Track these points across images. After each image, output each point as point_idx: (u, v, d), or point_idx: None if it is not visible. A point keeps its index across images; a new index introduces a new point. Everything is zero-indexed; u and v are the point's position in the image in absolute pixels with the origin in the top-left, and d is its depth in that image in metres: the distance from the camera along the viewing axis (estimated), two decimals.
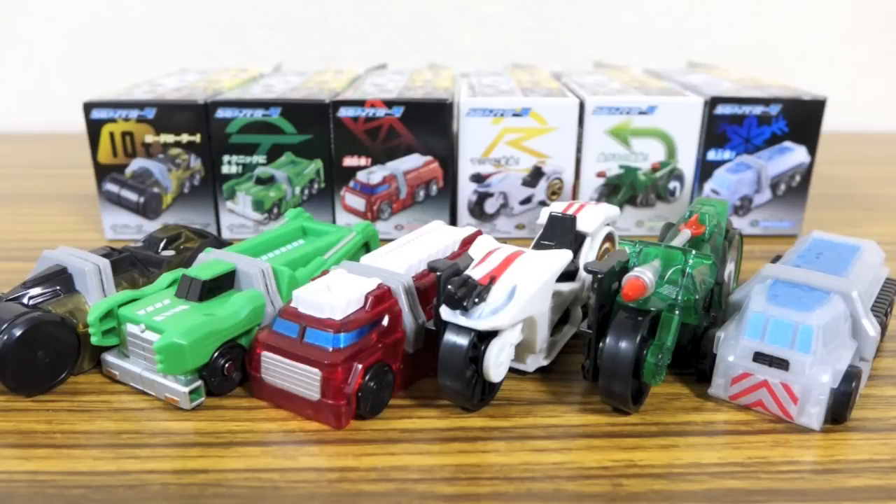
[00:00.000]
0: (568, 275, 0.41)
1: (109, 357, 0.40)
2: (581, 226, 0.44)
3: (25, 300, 0.39)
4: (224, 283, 0.40)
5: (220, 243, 0.49)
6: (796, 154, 0.60)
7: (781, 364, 0.35)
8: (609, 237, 0.47)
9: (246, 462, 0.33)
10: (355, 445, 0.34)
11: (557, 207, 0.45)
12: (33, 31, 1.02)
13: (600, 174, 0.61)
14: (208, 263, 0.41)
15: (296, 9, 1.01)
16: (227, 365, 0.38)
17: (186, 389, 0.36)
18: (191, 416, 0.37)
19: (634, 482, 0.32)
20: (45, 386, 0.39)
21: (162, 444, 0.35)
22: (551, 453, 0.34)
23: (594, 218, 0.44)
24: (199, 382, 0.37)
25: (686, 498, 0.31)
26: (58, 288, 0.40)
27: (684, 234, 0.41)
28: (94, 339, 0.38)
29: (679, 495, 0.31)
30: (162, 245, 0.47)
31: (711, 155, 0.60)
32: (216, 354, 0.37)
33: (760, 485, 0.32)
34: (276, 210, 0.61)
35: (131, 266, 0.44)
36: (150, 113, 0.58)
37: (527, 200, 0.61)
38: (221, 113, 0.58)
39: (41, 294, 0.40)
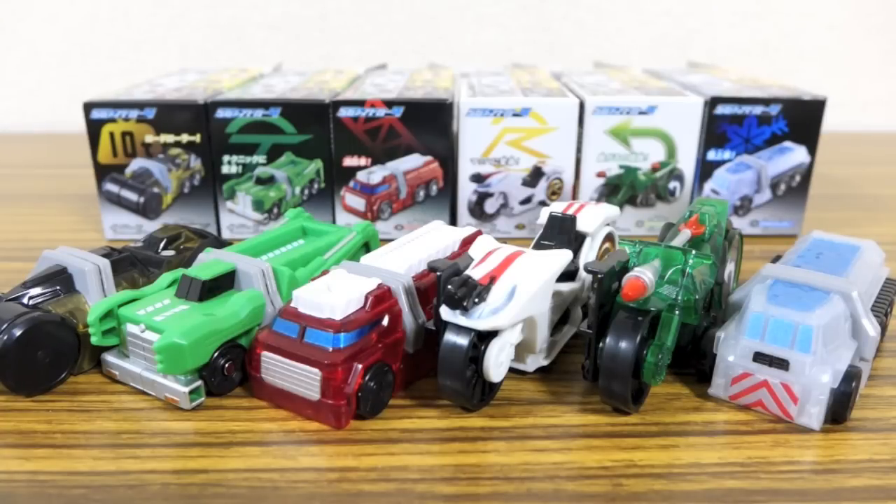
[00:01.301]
0: (568, 275, 0.41)
1: (109, 357, 0.40)
2: (581, 226, 0.44)
3: (25, 300, 0.39)
4: (224, 283, 0.40)
5: (220, 243, 0.49)
6: (796, 154, 0.60)
7: (781, 364, 0.35)
8: (609, 237, 0.47)
9: (246, 462, 0.33)
10: (355, 445, 0.34)
11: (557, 207, 0.45)
12: (33, 31, 1.02)
13: (600, 174, 0.61)
14: (208, 263, 0.41)
15: (296, 9, 1.01)
16: (227, 365, 0.38)
17: (186, 389, 0.36)
18: (191, 416, 0.37)
19: (634, 482, 0.32)
20: (45, 386, 0.39)
21: (162, 444, 0.35)
22: (551, 453, 0.34)
23: (594, 218, 0.44)
24: (199, 382, 0.37)
25: (686, 498, 0.31)
26: (58, 288, 0.40)
27: (684, 234, 0.41)
28: (94, 339, 0.38)
29: (679, 495, 0.31)
30: (162, 245, 0.47)
31: (711, 155, 0.60)
32: (216, 354, 0.37)
33: (760, 485, 0.32)
34: (276, 210, 0.61)
35: (131, 266, 0.44)
36: (150, 113, 0.58)
37: (527, 200, 0.61)
38: (221, 113, 0.58)
39: (41, 294, 0.40)
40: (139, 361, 0.38)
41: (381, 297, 0.37)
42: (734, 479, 0.32)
